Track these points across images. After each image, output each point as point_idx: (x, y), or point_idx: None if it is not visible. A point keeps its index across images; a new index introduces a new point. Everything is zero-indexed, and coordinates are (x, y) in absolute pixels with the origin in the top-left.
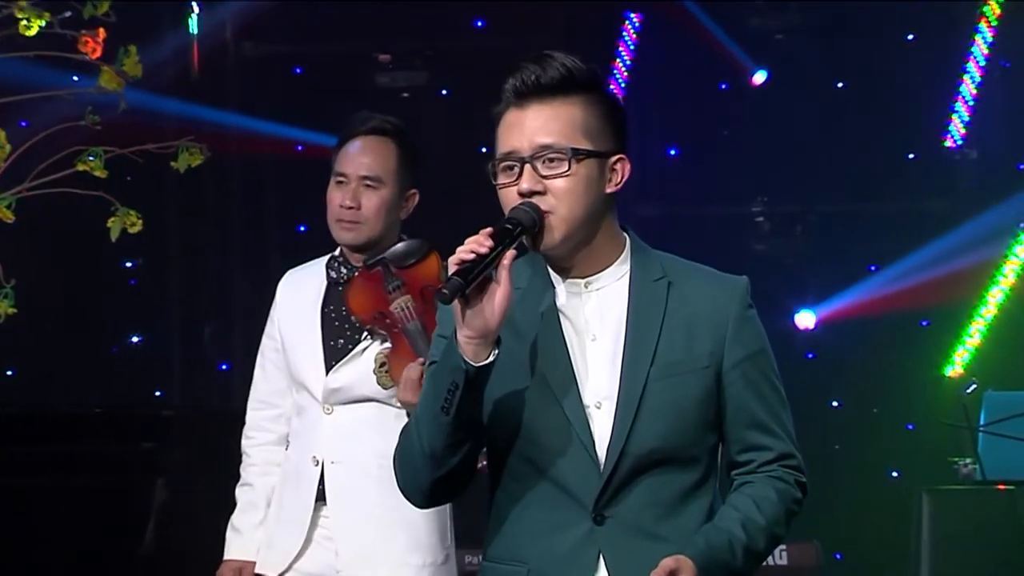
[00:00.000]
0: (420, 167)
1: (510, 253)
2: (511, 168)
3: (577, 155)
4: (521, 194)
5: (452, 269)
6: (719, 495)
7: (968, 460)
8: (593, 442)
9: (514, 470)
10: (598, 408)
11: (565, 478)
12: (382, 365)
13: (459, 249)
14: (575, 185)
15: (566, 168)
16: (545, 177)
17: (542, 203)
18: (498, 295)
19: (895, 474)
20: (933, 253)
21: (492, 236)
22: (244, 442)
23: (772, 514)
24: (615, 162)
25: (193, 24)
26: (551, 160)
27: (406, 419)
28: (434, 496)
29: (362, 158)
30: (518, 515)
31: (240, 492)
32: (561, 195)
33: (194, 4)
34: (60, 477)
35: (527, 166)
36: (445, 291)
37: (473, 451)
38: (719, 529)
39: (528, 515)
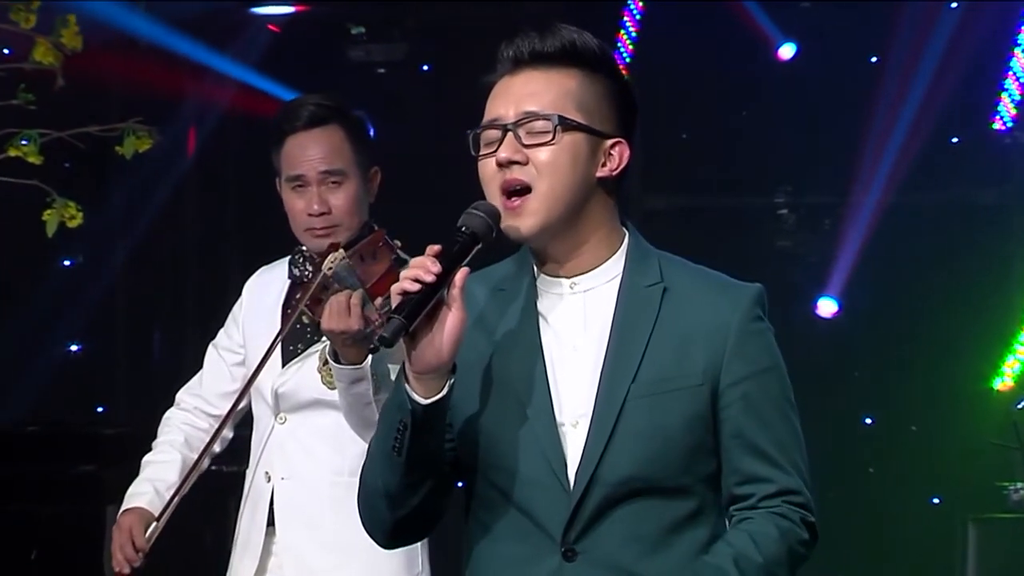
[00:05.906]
0: (374, 140)
1: (463, 271)
2: (493, 137)
3: (564, 124)
4: (499, 163)
5: (394, 301)
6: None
7: (1019, 485)
8: (565, 466)
9: (483, 497)
10: (574, 427)
11: (533, 506)
12: (326, 363)
13: (403, 274)
14: (558, 157)
15: (550, 137)
16: (527, 146)
17: (522, 174)
18: (450, 322)
19: (937, 500)
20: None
21: (441, 257)
22: (160, 427)
23: (772, 553)
24: (612, 145)
25: None
26: (535, 128)
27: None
28: (399, 537)
29: (313, 155)
30: (488, 546)
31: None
32: (542, 167)
33: None
34: None
35: (509, 134)
36: (385, 335)
37: (438, 489)
38: (708, 565)
39: (497, 547)
